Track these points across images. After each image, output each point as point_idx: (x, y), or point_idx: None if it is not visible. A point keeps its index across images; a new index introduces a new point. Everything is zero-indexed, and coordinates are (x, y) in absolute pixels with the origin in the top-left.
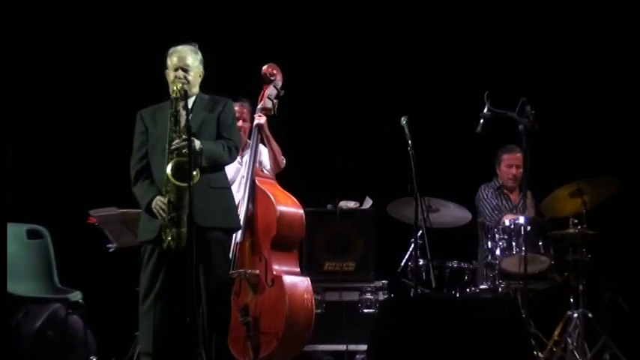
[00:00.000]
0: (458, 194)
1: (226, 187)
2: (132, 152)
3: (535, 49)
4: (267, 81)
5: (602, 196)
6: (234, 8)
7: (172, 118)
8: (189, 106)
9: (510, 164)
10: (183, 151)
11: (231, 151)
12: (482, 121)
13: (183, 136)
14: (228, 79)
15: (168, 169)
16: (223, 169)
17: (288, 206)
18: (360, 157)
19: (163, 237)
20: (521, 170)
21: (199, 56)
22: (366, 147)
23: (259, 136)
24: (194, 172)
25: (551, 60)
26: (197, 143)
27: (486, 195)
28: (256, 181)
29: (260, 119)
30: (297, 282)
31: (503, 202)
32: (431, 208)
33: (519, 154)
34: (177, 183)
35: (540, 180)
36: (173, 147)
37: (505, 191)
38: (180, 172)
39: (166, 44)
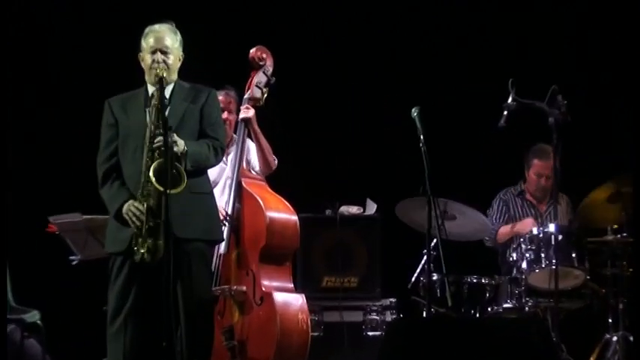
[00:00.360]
0: (477, 198)
1: (208, 192)
2: (99, 148)
3: (565, 32)
4: (256, 66)
5: None
6: None
7: (154, 110)
8: (167, 96)
9: (540, 173)
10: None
11: (217, 153)
12: (505, 112)
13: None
14: (210, 65)
15: (151, 171)
16: (206, 172)
17: (280, 212)
18: (363, 155)
19: (136, 248)
20: (551, 180)
21: (179, 37)
22: (371, 143)
23: (246, 131)
24: (182, 178)
25: (582, 40)
26: (181, 144)
27: (497, 206)
28: (243, 182)
29: (247, 112)
30: (290, 300)
31: (525, 209)
32: (446, 215)
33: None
34: (160, 188)
35: (575, 182)
36: (156, 145)
37: (529, 198)
38: (164, 175)
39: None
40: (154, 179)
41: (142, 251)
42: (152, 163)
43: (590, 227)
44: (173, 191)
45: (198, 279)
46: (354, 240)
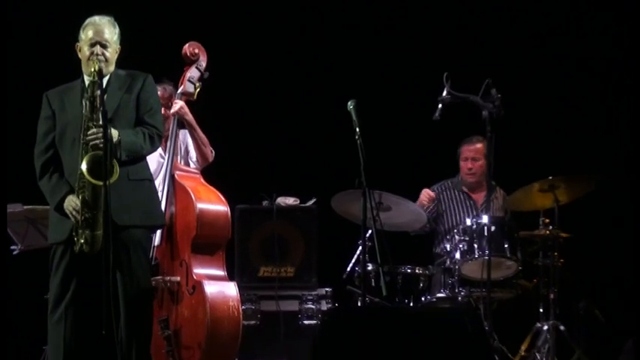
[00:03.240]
0: (411, 189)
1: (148, 178)
2: (36, 140)
3: (502, 25)
4: (189, 62)
5: (575, 194)
6: None
7: (88, 103)
8: (104, 86)
9: (466, 157)
10: (98, 142)
11: (153, 140)
12: (440, 106)
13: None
14: (145, 60)
15: (84, 164)
16: (144, 159)
17: (211, 203)
18: (300, 148)
19: (75, 239)
20: (480, 163)
21: (117, 30)
22: (307, 136)
23: (177, 124)
24: (114, 169)
25: (521, 37)
26: (115, 134)
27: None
28: (176, 175)
29: (175, 106)
30: (221, 287)
31: (460, 201)
32: (381, 205)
33: (479, 145)
34: (93, 181)
35: (512, 176)
36: (88, 138)
37: (466, 189)
38: (97, 167)
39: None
40: (86, 172)
41: (81, 242)
42: (85, 155)
43: (519, 210)
44: (101, 182)
45: (137, 269)
46: (291, 231)
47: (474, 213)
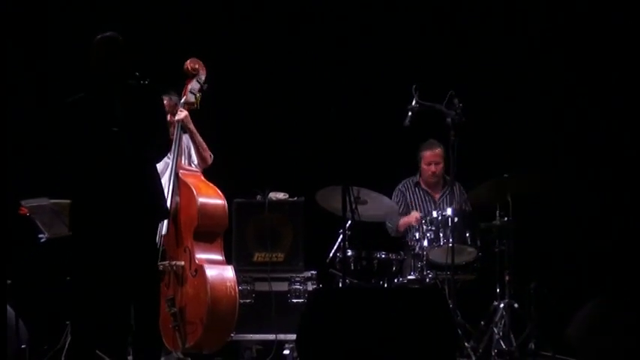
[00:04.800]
0: (386, 185)
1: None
2: (60, 143)
3: (466, 41)
4: (190, 75)
5: (527, 189)
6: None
7: (106, 111)
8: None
9: (430, 162)
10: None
11: (160, 148)
12: (410, 113)
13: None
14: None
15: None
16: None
17: (210, 197)
18: (290, 151)
19: None
20: (441, 166)
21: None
22: (296, 141)
23: (181, 130)
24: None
25: (481, 53)
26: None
27: (395, 199)
28: (180, 174)
29: (180, 114)
30: (219, 270)
31: (421, 197)
32: (359, 200)
33: (438, 150)
34: None
35: (469, 173)
36: (109, 141)
37: (424, 187)
38: None
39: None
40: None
41: None
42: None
43: (479, 204)
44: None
45: (147, 254)
46: (281, 222)
47: (433, 207)
